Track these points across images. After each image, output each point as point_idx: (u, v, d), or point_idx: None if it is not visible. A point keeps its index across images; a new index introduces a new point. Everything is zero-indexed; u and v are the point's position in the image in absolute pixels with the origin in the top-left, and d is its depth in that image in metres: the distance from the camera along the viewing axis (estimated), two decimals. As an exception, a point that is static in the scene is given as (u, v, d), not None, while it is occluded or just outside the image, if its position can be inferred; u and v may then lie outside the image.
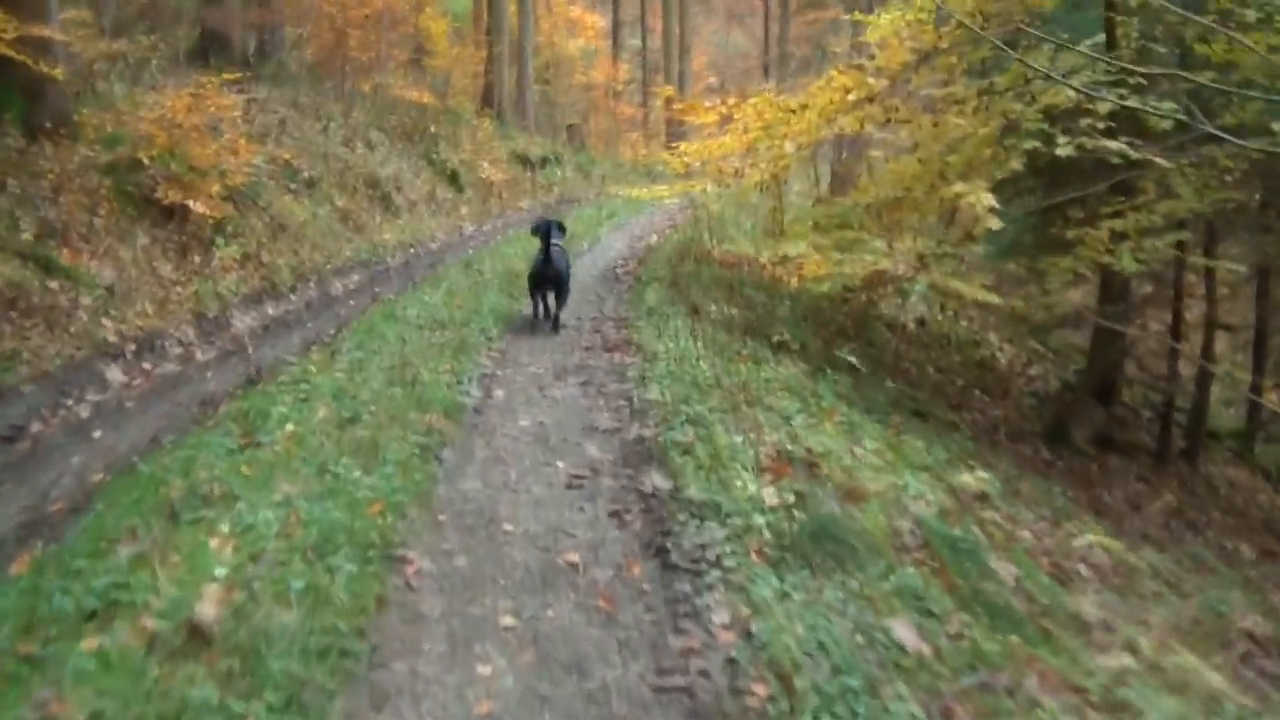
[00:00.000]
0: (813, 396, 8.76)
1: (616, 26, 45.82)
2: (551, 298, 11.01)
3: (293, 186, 16.58)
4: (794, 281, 12.43)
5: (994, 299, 10.76)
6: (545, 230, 10.82)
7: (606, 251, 17.57)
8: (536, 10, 37.36)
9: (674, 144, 35.26)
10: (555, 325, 10.97)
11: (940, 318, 17.40)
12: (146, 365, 9.73)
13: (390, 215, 19.13)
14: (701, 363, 8.84)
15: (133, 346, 9.85)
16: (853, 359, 10.24)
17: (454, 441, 6.98)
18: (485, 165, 24.72)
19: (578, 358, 9.69)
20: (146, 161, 12.60)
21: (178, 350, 10.36)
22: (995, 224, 9.61)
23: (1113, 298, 13.16)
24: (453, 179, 23.08)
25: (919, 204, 11.73)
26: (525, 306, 11.72)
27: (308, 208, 16.35)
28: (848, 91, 11.55)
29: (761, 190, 14.57)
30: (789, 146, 12.56)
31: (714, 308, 11.40)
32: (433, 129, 23.57)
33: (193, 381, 9.24)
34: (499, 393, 8.39)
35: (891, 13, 12.04)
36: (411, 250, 17.80)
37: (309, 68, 24.04)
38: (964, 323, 18.36)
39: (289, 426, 6.87)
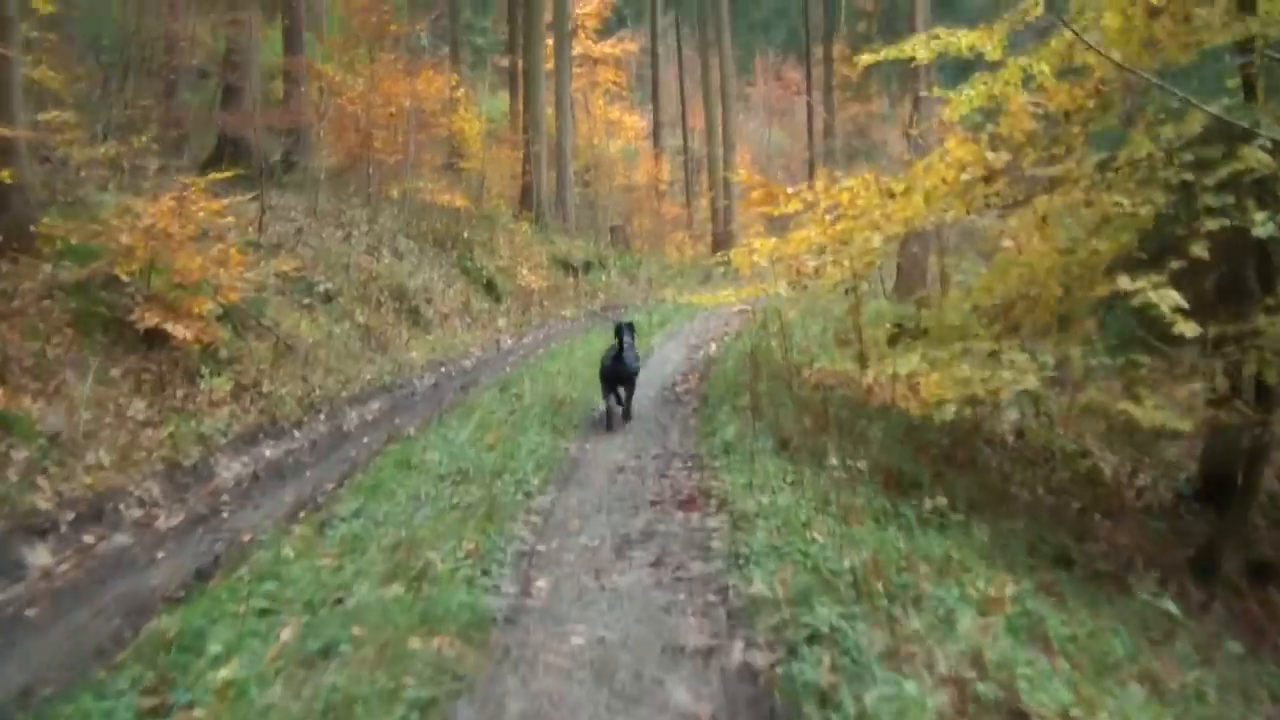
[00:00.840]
0: (960, 569, 6.35)
1: (657, 126, 44.01)
2: (621, 392, 11.37)
3: (306, 301, 14.47)
4: (909, 405, 10.01)
5: (1184, 425, 8.28)
6: (619, 331, 11.46)
7: (662, 365, 15.25)
8: (575, 112, 35.61)
9: (724, 243, 33.18)
10: (626, 414, 11.41)
11: (1034, 425, 14.96)
12: (87, 539, 7.47)
13: (419, 330, 16.96)
14: (814, 533, 6.42)
15: (71, 515, 7.59)
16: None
17: (474, 686, 4.58)
18: (524, 271, 22.56)
19: (643, 520, 7.32)
20: (125, 278, 10.49)
21: (136, 514, 8.12)
22: (1191, 329, 7.21)
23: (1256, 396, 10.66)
24: (489, 287, 20.93)
25: (1051, 304, 9.39)
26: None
27: (322, 325, 14.20)
28: (962, 168, 9.28)
29: (846, 291, 12.27)
30: (876, 240, 10.31)
31: (828, 448, 9.03)
32: (466, 234, 21.47)
33: (135, 568, 6.95)
34: (541, 584, 6.00)
35: (992, 80, 9.86)
36: (442, 369, 15.57)
37: (333, 173, 22.12)
38: (1059, 430, 15.93)
39: (224, 672, 4.51)
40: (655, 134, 43.64)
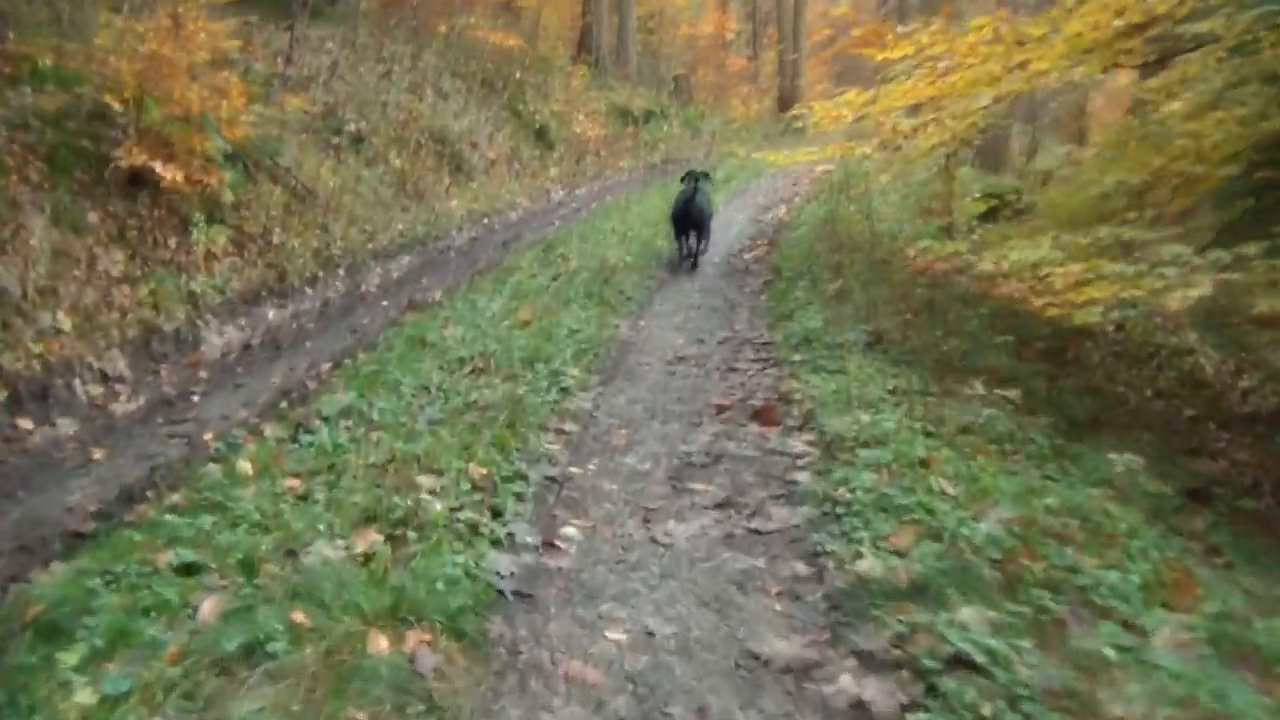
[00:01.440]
0: (1125, 533, 4.68)
1: (725, -29, 41.25)
2: (693, 238, 11.21)
3: (334, 142, 12.77)
4: (1042, 304, 8.11)
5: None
6: (693, 178, 11.38)
7: (727, 228, 13.51)
8: (641, -43, 33.23)
9: (791, 99, 30.95)
10: (694, 264, 11.20)
11: (1135, 318, 13.12)
12: (23, 425, 5.96)
13: (462, 178, 15.23)
14: (937, 476, 4.77)
15: (6, 394, 6.06)
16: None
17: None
18: (580, 119, 20.67)
19: (708, 435, 5.70)
20: (118, 107, 8.83)
21: (94, 391, 6.60)
22: None
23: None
24: (541, 134, 19.05)
25: (1211, 184, 7.59)
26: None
27: (351, 170, 12.53)
28: (1119, 13, 7.38)
29: (948, 157, 10.49)
30: (985, 98, 8.44)
31: (939, 347, 7.34)
32: (519, 76, 19.51)
33: (61, 473, 5.43)
34: (569, 532, 4.41)
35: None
36: (484, 222, 13.92)
37: (379, 6, 20.18)
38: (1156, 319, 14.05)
39: (88, 690, 2.97)
40: (723, -19, 40.93)
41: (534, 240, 12.41)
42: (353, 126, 13.20)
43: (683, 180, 11.81)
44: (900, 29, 8.24)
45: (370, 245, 11.21)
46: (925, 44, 8.22)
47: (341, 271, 10.28)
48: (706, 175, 11.92)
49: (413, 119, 15.12)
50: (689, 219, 11.08)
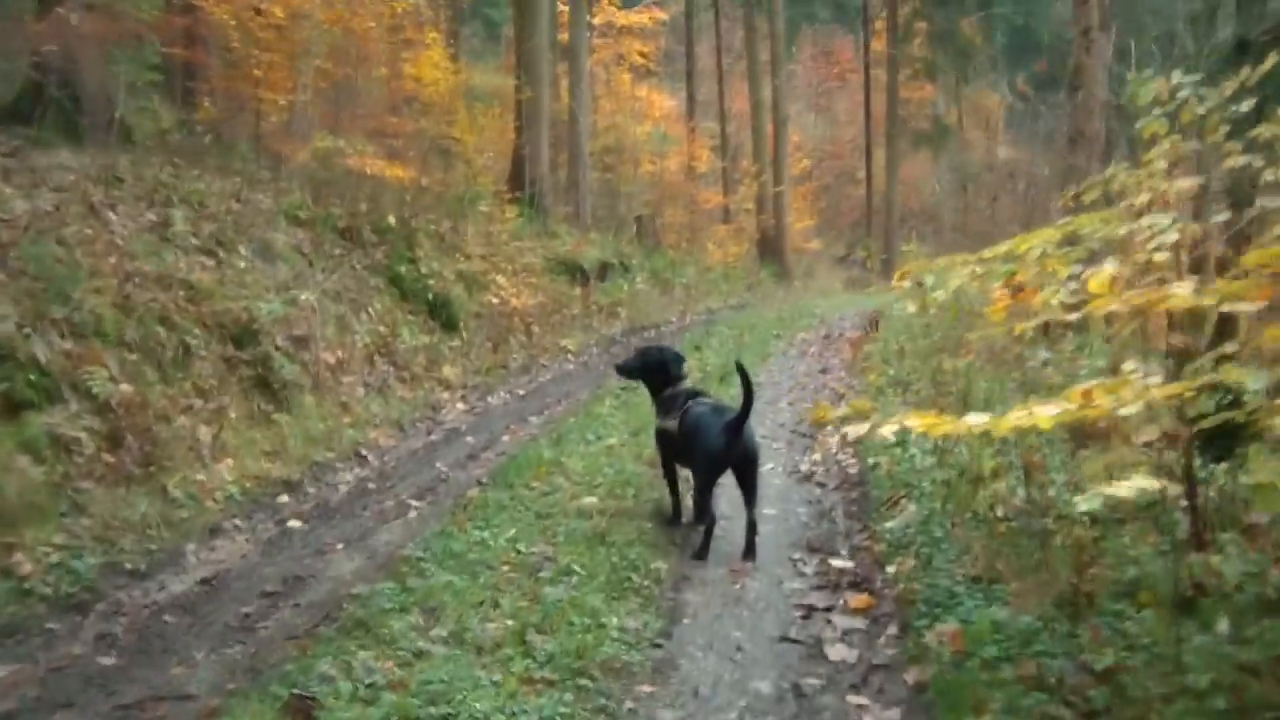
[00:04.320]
0: None
1: (691, 101, 34.84)
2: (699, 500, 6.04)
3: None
4: None
5: None
6: (662, 362, 6.64)
7: (738, 510, 6.37)
8: (595, 89, 27.12)
9: (774, 241, 24.29)
10: (750, 549, 5.81)
11: None
12: None
13: (268, 405, 8.23)
14: None
15: None
16: None
17: None
18: (501, 281, 13.63)
19: None
20: None
21: None
22: None
23: None
24: (436, 309, 11.92)
25: None
26: None
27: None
28: None
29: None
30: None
31: None
32: (399, 221, 12.38)
33: None
34: None
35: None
36: (278, 503, 6.99)
37: (214, 127, 13.33)
38: None
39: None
40: (689, 108, 34.67)
41: (350, 573, 5.43)
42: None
43: (622, 371, 6.92)
44: None
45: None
46: None
47: None
48: (680, 358, 6.81)
49: (193, 298, 8.24)
50: (730, 458, 5.82)
